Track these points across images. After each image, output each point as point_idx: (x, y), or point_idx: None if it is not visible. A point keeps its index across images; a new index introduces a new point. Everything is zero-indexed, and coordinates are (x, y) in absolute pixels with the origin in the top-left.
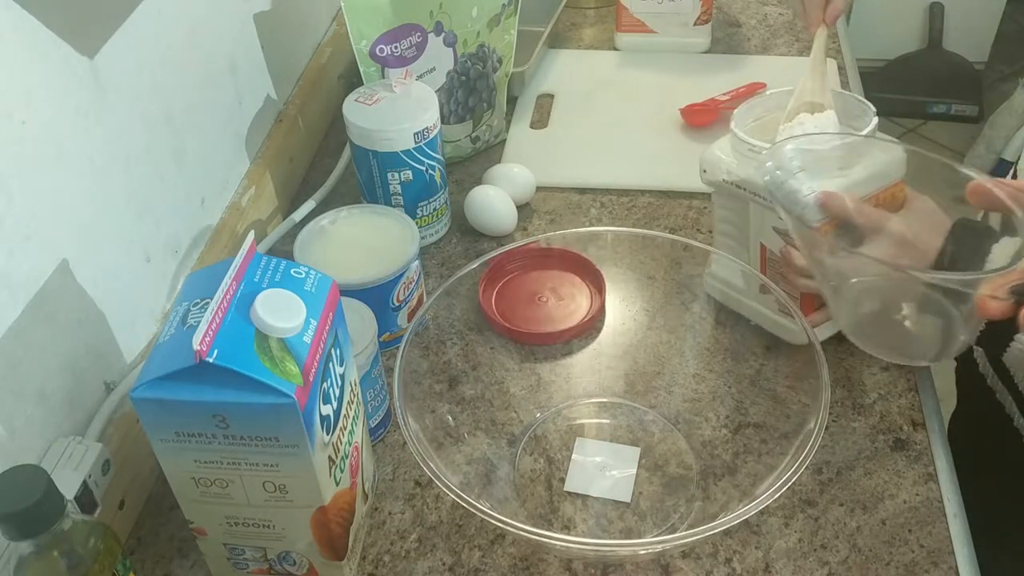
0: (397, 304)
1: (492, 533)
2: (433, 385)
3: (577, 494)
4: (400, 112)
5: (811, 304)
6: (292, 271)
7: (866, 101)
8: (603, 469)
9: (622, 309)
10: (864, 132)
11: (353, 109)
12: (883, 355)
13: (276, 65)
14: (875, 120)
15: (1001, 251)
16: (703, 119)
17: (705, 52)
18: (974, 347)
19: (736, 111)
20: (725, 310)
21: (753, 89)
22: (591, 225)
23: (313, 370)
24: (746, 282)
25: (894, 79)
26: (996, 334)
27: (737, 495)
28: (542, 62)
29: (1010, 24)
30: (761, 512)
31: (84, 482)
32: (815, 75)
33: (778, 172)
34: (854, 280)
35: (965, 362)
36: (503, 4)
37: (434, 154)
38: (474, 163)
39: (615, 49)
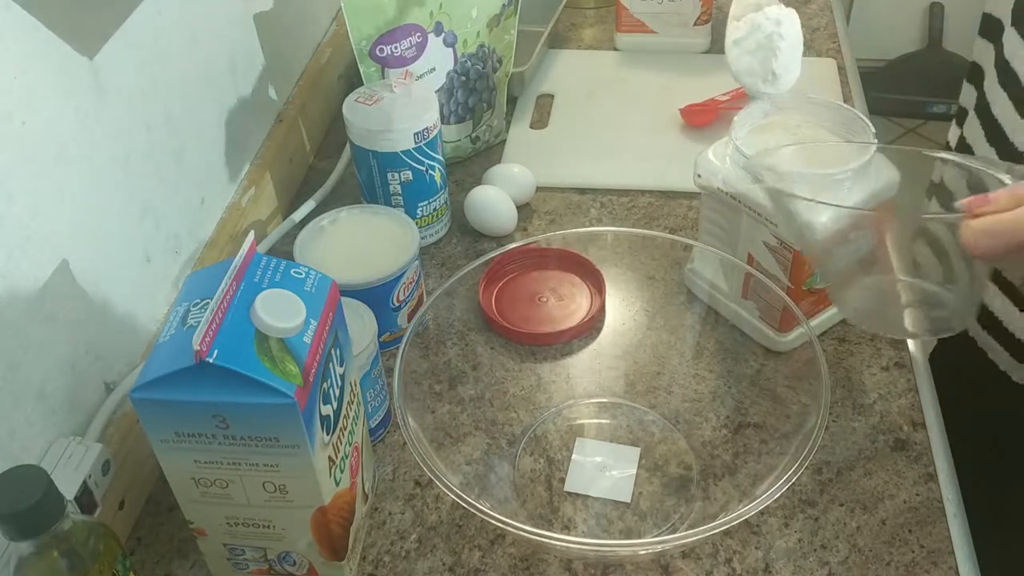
0: (397, 304)
1: (492, 533)
2: (433, 385)
3: (577, 494)
4: (400, 112)
5: (791, 319)
6: (292, 271)
7: (868, 121)
8: (603, 469)
9: (622, 309)
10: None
11: (353, 109)
12: (895, 334)
13: (276, 65)
14: (874, 145)
15: None
16: (703, 119)
17: (705, 52)
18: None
19: (736, 118)
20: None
21: None
22: (591, 225)
23: (313, 370)
24: (728, 285)
25: (894, 79)
26: None
27: (737, 495)
28: (542, 62)
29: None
30: (761, 512)
31: (84, 482)
32: None
33: (778, 185)
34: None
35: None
36: (503, 4)
37: (434, 154)
38: (474, 163)
39: (615, 49)
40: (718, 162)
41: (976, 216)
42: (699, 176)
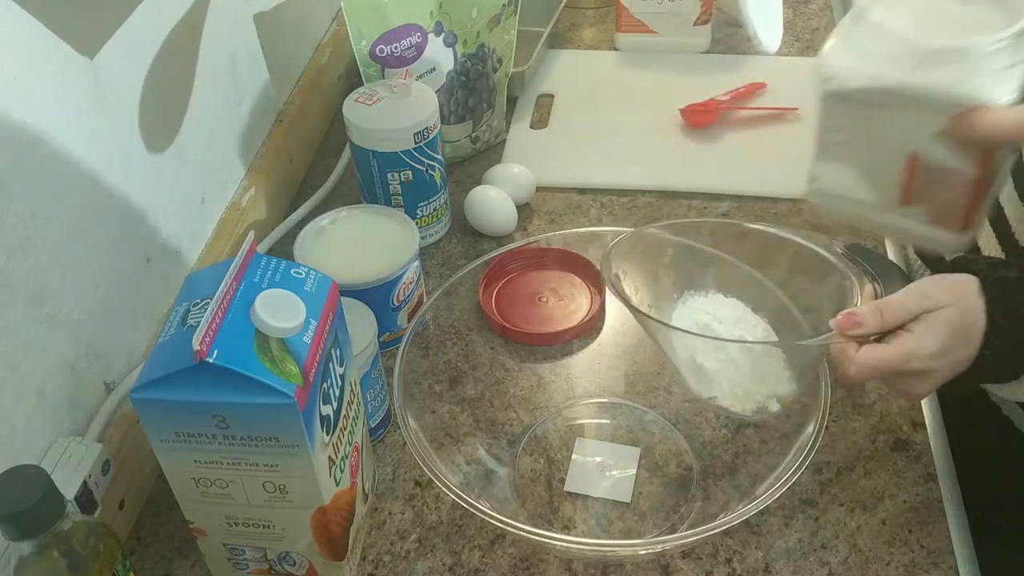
0: (397, 304)
1: (492, 533)
2: (433, 385)
3: (577, 494)
4: (400, 112)
5: (975, 211)
6: (292, 271)
7: None
8: (603, 469)
9: (622, 309)
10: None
11: (353, 109)
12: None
13: (276, 65)
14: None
15: None
16: (703, 119)
17: (705, 52)
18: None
19: None
20: None
21: (753, 89)
22: (591, 225)
23: (313, 370)
24: (878, 195)
25: None
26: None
27: (737, 495)
28: (542, 62)
29: None
30: (761, 512)
31: (84, 482)
32: None
33: None
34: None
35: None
36: (503, 4)
37: (434, 154)
38: (474, 163)
39: (615, 49)
40: (856, 57)
41: (847, 337)
42: (829, 80)
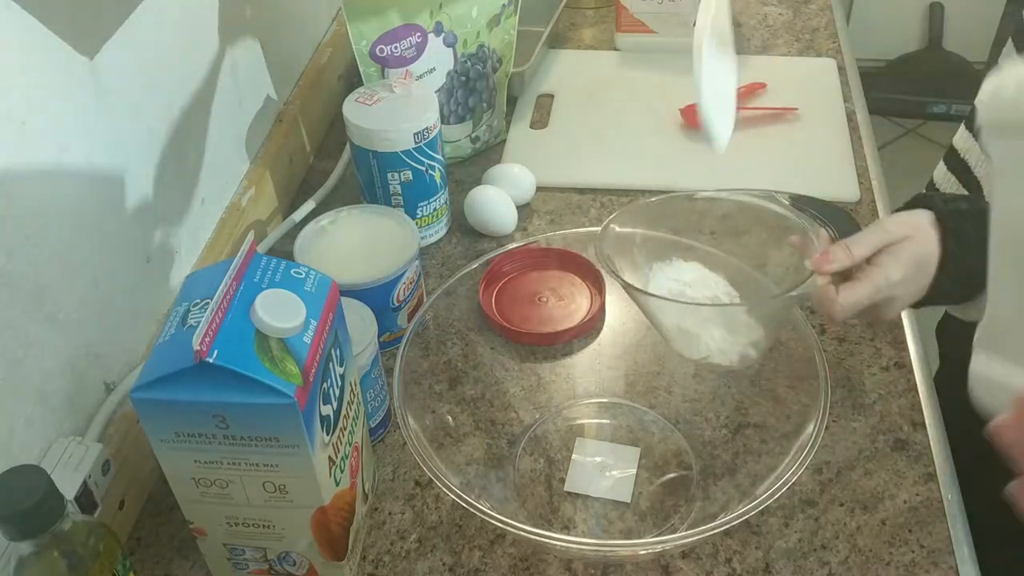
0: (397, 304)
1: (492, 533)
2: (433, 385)
3: (577, 494)
4: (400, 112)
5: None
6: (292, 271)
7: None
8: (603, 469)
9: (622, 309)
10: None
11: (353, 109)
12: None
13: (276, 65)
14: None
15: None
16: None
17: None
18: None
19: None
20: None
21: (753, 89)
22: (591, 225)
23: (313, 370)
24: None
25: (894, 79)
26: None
27: (737, 495)
28: (542, 62)
29: (1010, 24)
30: (761, 512)
31: (84, 482)
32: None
33: None
34: None
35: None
36: (503, 4)
37: (434, 154)
38: (474, 163)
39: (615, 49)
40: None
41: (824, 274)
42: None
